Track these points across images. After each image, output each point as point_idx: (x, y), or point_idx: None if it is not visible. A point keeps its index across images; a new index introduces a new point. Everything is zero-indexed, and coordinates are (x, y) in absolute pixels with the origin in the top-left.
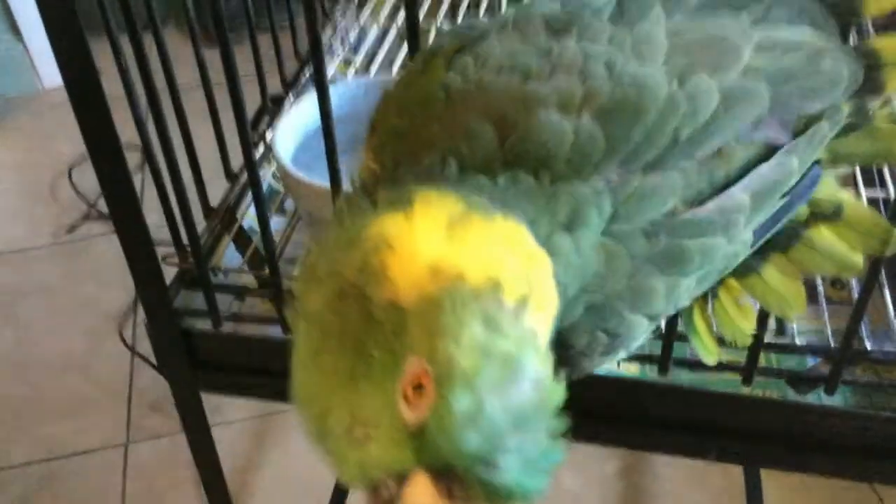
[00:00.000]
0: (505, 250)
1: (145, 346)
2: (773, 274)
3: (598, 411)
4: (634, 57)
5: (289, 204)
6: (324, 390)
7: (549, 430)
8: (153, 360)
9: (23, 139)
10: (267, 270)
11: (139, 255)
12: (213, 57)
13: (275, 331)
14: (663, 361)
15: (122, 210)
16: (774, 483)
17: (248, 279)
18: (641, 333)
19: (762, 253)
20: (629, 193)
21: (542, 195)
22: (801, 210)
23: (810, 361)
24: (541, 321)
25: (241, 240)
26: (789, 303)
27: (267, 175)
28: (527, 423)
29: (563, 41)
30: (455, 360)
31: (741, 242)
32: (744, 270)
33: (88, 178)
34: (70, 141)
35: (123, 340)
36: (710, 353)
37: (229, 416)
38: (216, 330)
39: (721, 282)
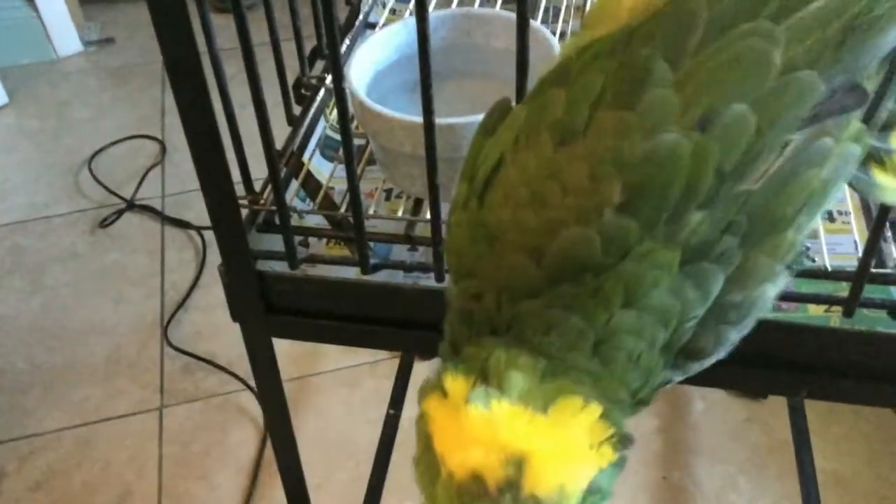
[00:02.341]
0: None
1: (173, 317)
2: None
3: None
4: (642, 134)
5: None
6: None
7: None
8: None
9: (39, 108)
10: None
11: (218, 195)
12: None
13: (347, 273)
14: None
15: (202, 146)
16: (818, 439)
17: (319, 221)
18: (773, 289)
19: None
20: (690, 231)
21: (587, 294)
22: None
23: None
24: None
25: (310, 184)
26: None
27: (323, 124)
28: None
29: (570, 148)
30: None
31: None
32: None
33: (108, 165)
34: (87, 107)
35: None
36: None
37: None
38: (291, 272)
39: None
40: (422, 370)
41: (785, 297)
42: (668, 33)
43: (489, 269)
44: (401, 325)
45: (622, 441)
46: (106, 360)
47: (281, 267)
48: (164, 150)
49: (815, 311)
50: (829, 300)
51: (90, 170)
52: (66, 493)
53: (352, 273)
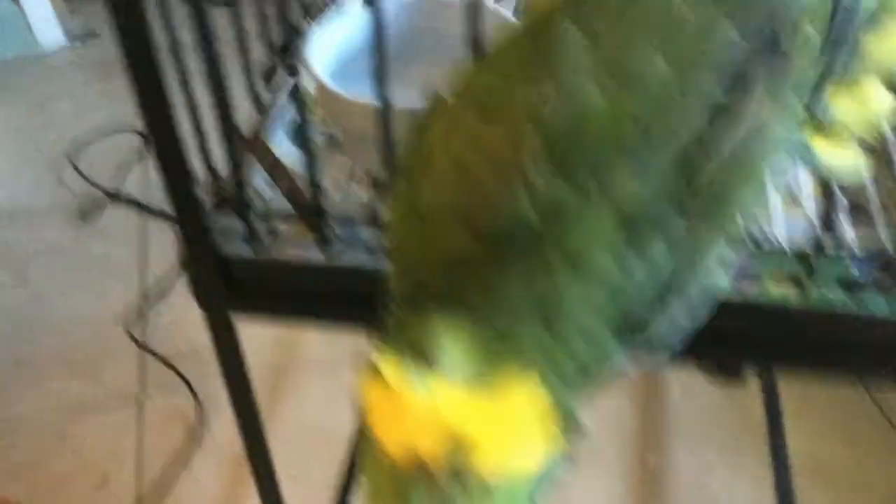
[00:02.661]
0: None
1: (154, 306)
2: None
3: None
4: (557, 93)
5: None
6: None
7: None
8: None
9: (22, 101)
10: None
11: (177, 178)
12: None
13: (310, 254)
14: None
15: (160, 131)
16: (794, 423)
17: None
18: (721, 268)
19: None
20: (623, 193)
21: (527, 259)
22: None
23: (856, 270)
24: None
25: (275, 168)
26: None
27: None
28: None
29: (492, 120)
30: None
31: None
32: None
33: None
34: (71, 101)
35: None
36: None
37: None
38: (253, 255)
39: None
40: None
41: (742, 274)
42: (575, 2)
43: (423, 247)
44: (366, 305)
45: (572, 426)
46: (86, 352)
47: (245, 252)
48: (147, 142)
49: (774, 291)
50: (785, 277)
51: (73, 163)
52: (43, 480)
53: (318, 256)
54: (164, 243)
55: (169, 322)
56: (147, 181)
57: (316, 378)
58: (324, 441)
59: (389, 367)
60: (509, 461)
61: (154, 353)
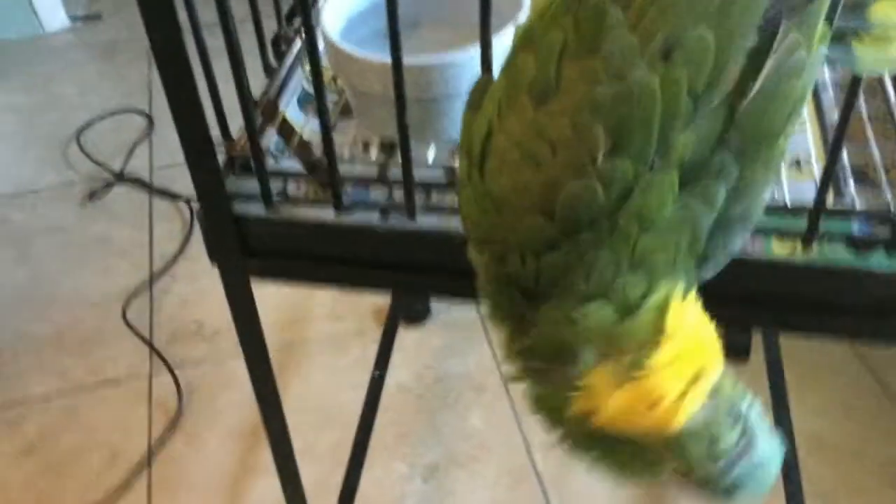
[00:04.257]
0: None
1: (160, 285)
2: None
3: None
4: (610, 76)
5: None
6: None
7: None
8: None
9: (26, 82)
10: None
11: (194, 137)
12: None
13: (325, 214)
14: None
15: (178, 90)
16: (796, 401)
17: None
18: (766, 198)
19: None
20: (681, 152)
21: (605, 236)
22: None
23: (857, 228)
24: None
25: (286, 133)
26: None
27: (299, 78)
28: None
29: (548, 105)
30: None
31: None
32: None
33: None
34: (73, 82)
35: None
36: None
37: None
38: (267, 214)
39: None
40: (407, 334)
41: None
42: None
43: (505, 233)
44: (375, 266)
45: None
46: (94, 329)
47: (260, 211)
48: (151, 123)
49: (778, 252)
50: (790, 233)
51: (78, 143)
52: (55, 456)
53: (330, 217)
54: (170, 221)
55: (174, 299)
56: (151, 160)
57: (321, 356)
58: (329, 418)
59: (600, 377)
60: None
61: (139, 335)
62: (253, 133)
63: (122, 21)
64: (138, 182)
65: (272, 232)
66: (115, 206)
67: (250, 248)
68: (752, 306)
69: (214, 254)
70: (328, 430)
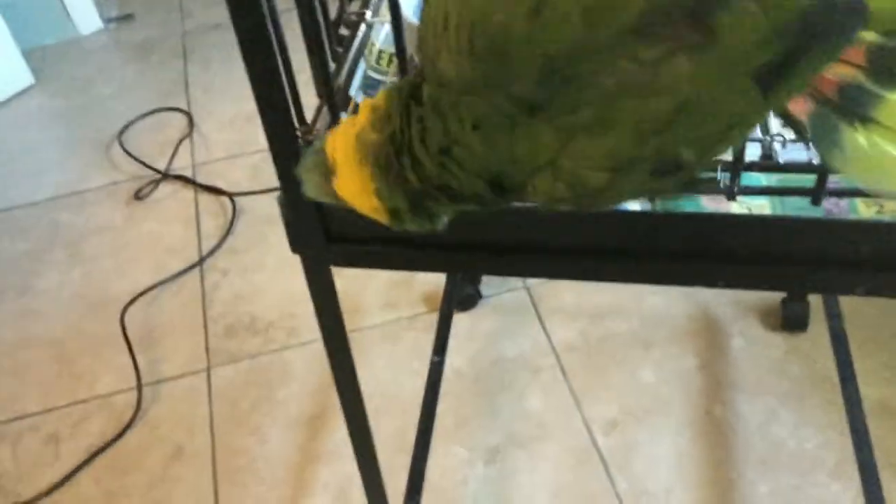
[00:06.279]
0: None
1: (211, 279)
2: None
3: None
4: None
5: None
6: None
7: None
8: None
9: (64, 86)
10: None
11: (276, 123)
12: None
13: None
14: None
15: (263, 78)
16: (860, 368)
17: None
18: None
19: None
20: None
21: None
22: None
23: None
24: None
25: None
26: None
27: (363, 65)
28: None
29: None
30: None
31: None
32: None
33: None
34: (111, 83)
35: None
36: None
37: (304, 336)
38: None
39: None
40: (458, 319)
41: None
42: None
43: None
44: (453, 249)
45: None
46: (149, 326)
47: None
48: (191, 121)
49: (863, 212)
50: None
51: (120, 144)
52: (120, 454)
53: None
54: (216, 216)
55: (225, 294)
56: (193, 157)
57: (378, 345)
58: (389, 405)
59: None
60: None
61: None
62: (336, 116)
63: (154, 20)
64: (182, 179)
65: (354, 217)
66: (161, 203)
67: (332, 235)
68: (851, 269)
69: (297, 241)
70: (388, 416)
